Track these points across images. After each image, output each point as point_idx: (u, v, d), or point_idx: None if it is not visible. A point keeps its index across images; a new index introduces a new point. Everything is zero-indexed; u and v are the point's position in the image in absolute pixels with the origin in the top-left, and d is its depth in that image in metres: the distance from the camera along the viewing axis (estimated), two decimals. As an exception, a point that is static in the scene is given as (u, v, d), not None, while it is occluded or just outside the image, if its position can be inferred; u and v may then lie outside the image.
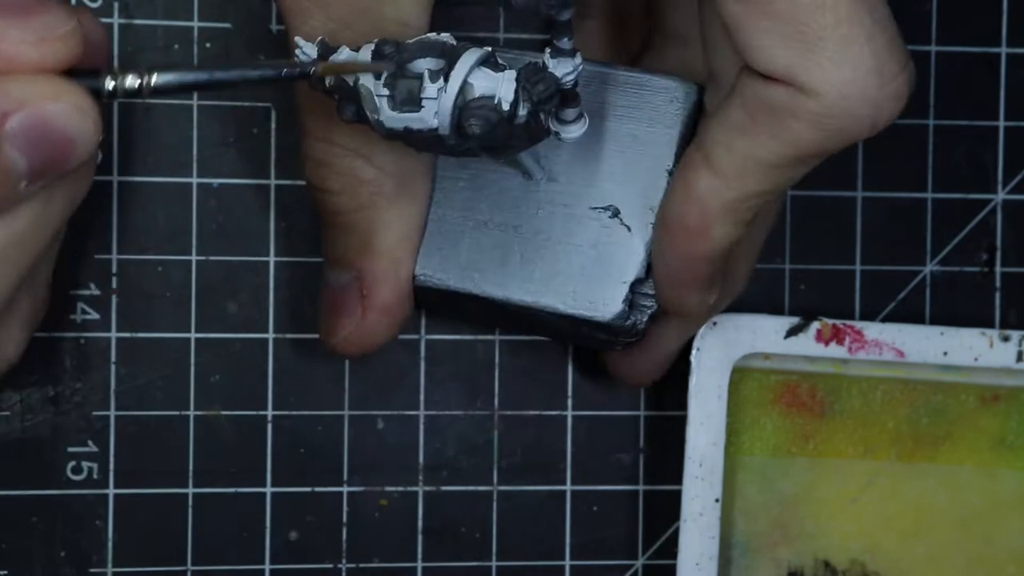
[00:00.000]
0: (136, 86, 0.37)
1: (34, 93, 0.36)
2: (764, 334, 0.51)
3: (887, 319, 0.54)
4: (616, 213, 0.45)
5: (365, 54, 0.39)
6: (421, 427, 0.52)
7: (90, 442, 0.50)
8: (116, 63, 0.50)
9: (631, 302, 0.45)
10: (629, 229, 0.45)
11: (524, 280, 0.46)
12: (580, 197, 0.46)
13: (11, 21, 0.36)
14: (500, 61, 0.40)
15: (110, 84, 0.37)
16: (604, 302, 0.45)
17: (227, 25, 0.50)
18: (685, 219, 0.44)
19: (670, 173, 0.45)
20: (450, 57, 0.39)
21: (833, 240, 0.54)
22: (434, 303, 0.48)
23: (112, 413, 0.50)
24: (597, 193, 0.45)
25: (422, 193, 0.46)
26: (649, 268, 0.45)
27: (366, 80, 0.39)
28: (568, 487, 0.53)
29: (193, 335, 0.51)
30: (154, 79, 0.37)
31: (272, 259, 0.51)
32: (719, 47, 0.44)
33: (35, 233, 0.38)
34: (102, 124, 0.37)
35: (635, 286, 0.45)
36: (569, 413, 0.53)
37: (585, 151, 0.45)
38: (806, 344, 0.52)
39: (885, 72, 0.40)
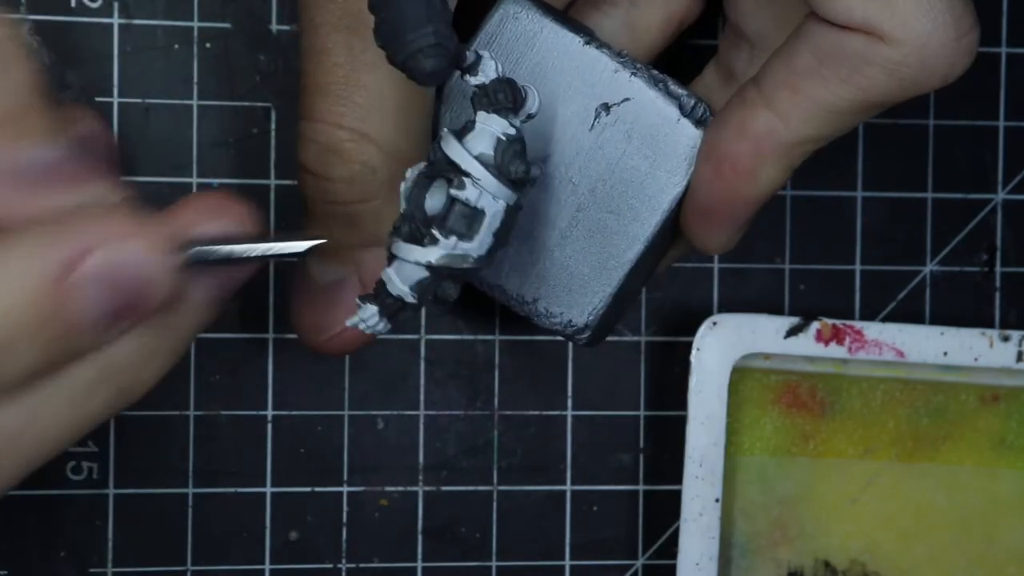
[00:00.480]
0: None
1: (106, 232, 0.35)
2: (764, 334, 0.51)
3: (887, 319, 0.54)
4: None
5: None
6: (421, 427, 0.52)
7: (90, 442, 0.50)
8: (116, 64, 0.50)
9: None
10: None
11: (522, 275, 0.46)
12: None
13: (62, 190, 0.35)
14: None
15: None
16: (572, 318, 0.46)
17: (227, 25, 0.50)
18: (736, 157, 0.43)
19: (662, 223, 0.45)
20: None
21: (833, 240, 0.54)
22: None
23: (112, 413, 0.50)
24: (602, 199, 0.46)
25: None
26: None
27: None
28: (568, 487, 0.53)
29: (193, 335, 0.51)
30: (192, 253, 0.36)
31: (272, 259, 0.51)
32: (757, 11, 0.44)
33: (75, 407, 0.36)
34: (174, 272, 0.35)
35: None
36: (569, 413, 0.53)
37: (595, 163, 0.45)
38: (806, 344, 0.52)
39: (961, 25, 0.41)
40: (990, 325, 0.54)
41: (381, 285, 0.40)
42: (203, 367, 0.51)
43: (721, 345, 0.51)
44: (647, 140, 0.45)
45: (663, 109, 0.45)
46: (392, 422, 0.52)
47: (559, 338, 0.46)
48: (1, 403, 0.35)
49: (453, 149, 0.39)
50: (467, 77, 0.39)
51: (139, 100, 0.50)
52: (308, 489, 0.52)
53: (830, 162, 0.53)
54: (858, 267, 0.54)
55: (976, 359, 0.52)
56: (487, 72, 0.39)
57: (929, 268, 0.54)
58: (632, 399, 0.53)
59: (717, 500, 0.51)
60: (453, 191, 0.39)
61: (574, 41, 0.45)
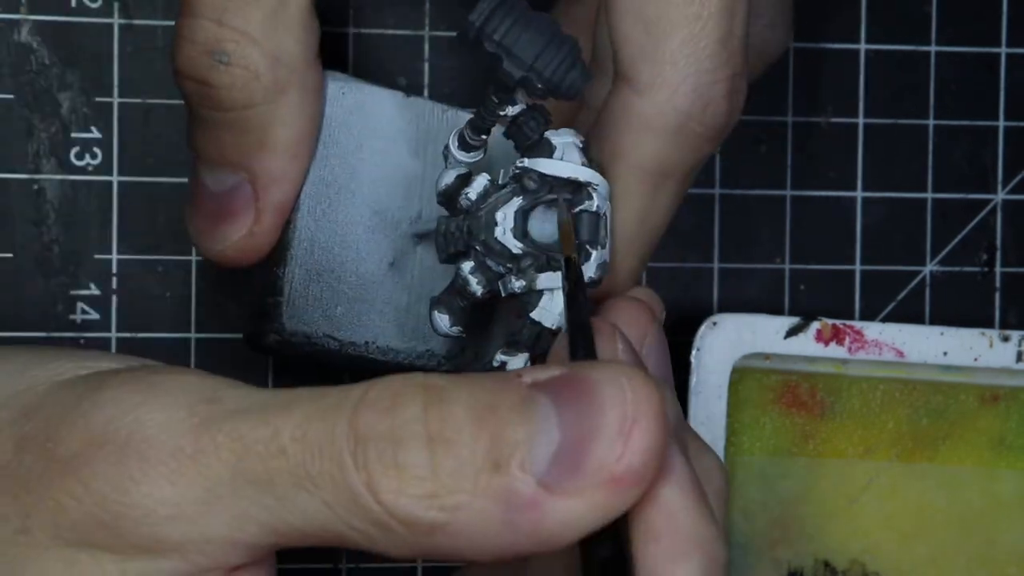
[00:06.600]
0: None
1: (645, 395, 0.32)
2: (764, 334, 0.51)
3: (887, 319, 0.54)
4: None
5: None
6: (421, 427, 0.52)
7: (90, 442, 0.50)
8: (116, 64, 0.50)
9: None
10: None
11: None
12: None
13: None
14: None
15: None
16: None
17: (227, 25, 0.50)
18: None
19: None
20: None
21: (833, 240, 0.54)
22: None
23: (112, 413, 0.50)
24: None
25: (314, 83, 0.41)
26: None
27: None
28: (568, 487, 0.53)
29: (193, 335, 0.51)
30: None
31: (272, 259, 0.51)
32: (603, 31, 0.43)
33: None
34: None
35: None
36: (569, 413, 0.53)
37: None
38: (806, 344, 0.52)
39: (728, 65, 0.39)
40: (990, 325, 0.54)
41: (523, 329, 0.39)
42: (203, 367, 0.51)
43: (721, 345, 0.51)
44: None
45: None
46: (392, 422, 0.52)
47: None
48: None
49: (561, 168, 0.39)
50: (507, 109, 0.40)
51: (139, 100, 0.50)
52: (308, 489, 0.52)
53: (830, 162, 0.53)
54: (858, 267, 0.54)
55: (976, 359, 0.52)
56: (517, 100, 0.40)
57: (929, 268, 0.54)
58: (632, 399, 0.53)
59: (717, 500, 0.51)
60: (584, 206, 0.39)
61: (396, 96, 0.44)
